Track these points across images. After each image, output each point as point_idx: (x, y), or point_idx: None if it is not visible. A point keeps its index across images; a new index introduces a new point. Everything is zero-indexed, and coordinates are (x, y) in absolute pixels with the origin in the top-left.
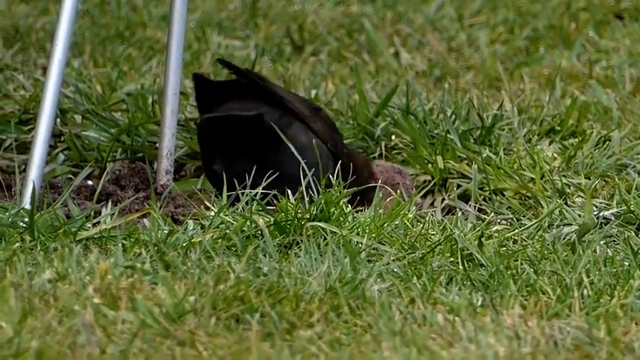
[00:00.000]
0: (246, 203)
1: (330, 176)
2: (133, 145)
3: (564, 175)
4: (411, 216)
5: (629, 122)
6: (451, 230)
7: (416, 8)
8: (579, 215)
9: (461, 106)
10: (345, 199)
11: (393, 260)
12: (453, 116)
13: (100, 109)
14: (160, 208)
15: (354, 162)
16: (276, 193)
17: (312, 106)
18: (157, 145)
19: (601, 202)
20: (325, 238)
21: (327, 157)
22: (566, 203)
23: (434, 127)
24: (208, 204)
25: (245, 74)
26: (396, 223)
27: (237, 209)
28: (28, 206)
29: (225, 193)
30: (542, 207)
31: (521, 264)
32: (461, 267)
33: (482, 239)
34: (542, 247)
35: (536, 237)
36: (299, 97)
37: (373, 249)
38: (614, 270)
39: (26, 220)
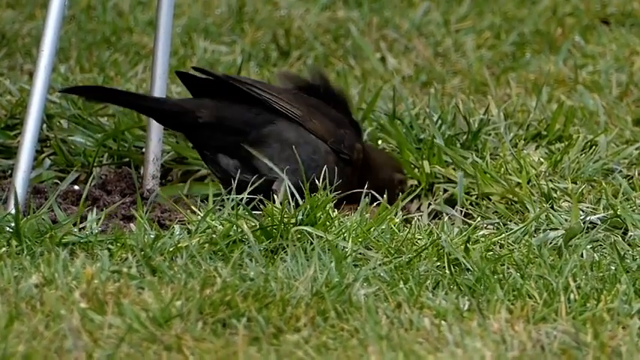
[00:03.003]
0: (232, 208)
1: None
2: (120, 150)
3: (551, 180)
4: (397, 220)
5: (616, 127)
6: (437, 235)
7: (402, 13)
8: (566, 220)
9: (447, 111)
10: (332, 203)
11: (380, 265)
12: (440, 121)
13: (86, 114)
14: (146, 213)
15: (371, 159)
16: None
17: (311, 102)
18: (144, 150)
19: (587, 207)
20: (311, 243)
21: (327, 153)
22: (552, 208)
23: (420, 131)
24: (194, 209)
25: (221, 78)
26: (383, 227)
27: (223, 214)
28: (14, 211)
29: (223, 191)
30: (529, 211)
31: (508, 268)
32: (447, 271)
33: (469, 244)
34: (528, 252)
35: (523, 241)
36: (298, 95)
37: (359, 253)
38: (601, 274)
39: (12, 225)
